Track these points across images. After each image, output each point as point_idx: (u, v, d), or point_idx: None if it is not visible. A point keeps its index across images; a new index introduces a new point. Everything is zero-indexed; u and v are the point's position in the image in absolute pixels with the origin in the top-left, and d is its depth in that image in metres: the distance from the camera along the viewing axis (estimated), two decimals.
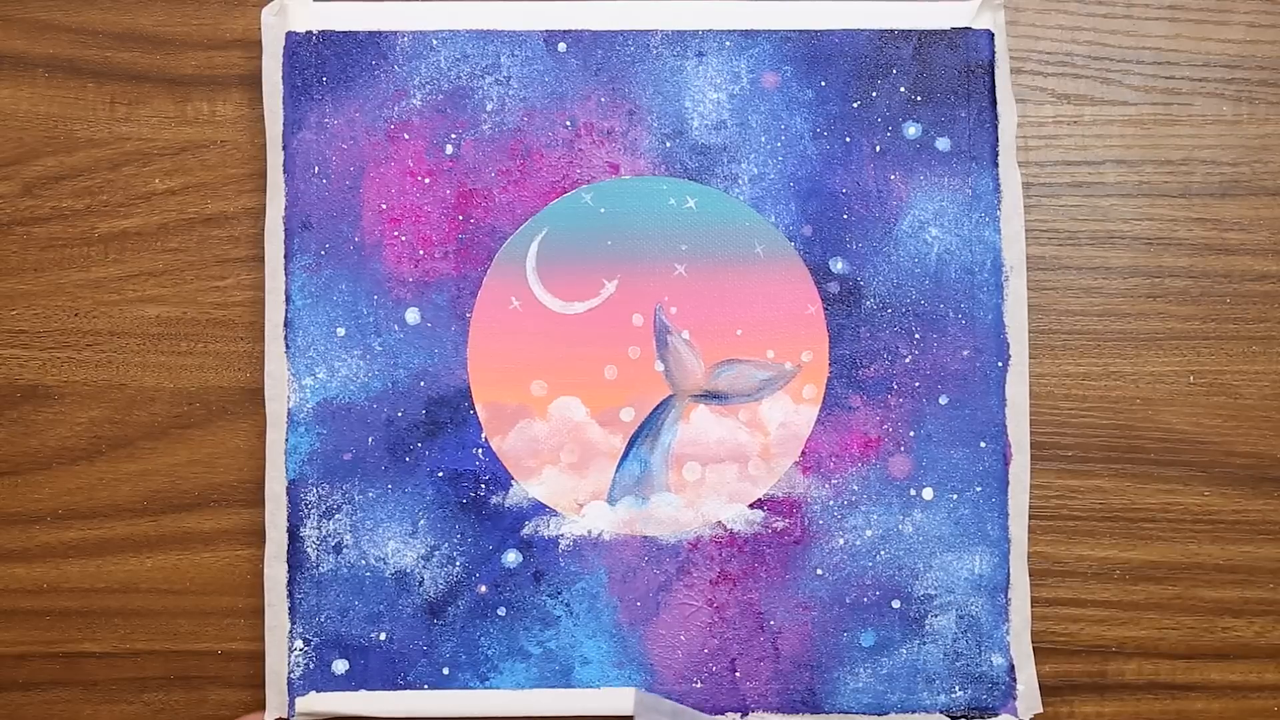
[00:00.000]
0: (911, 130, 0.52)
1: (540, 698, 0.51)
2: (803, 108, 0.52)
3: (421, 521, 0.51)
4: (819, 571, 0.51)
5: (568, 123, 0.52)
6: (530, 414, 0.51)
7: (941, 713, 0.51)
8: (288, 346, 0.52)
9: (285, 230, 0.52)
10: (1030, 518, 0.52)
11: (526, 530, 0.51)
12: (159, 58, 0.53)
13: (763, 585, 0.51)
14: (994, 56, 0.52)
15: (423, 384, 0.51)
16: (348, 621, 0.51)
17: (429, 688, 0.51)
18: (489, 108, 0.52)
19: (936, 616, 0.51)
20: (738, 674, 0.51)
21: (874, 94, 0.52)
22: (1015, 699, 0.51)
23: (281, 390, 0.51)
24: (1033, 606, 0.52)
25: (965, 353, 0.51)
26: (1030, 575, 0.52)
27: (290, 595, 0.51)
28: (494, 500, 0.51)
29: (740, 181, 0.52)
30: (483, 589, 0.51)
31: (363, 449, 0.51)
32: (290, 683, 0.51)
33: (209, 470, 0.53)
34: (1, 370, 0.53)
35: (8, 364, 0.53)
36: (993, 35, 0.52)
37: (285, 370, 0.51)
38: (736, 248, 0.52)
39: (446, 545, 0.51)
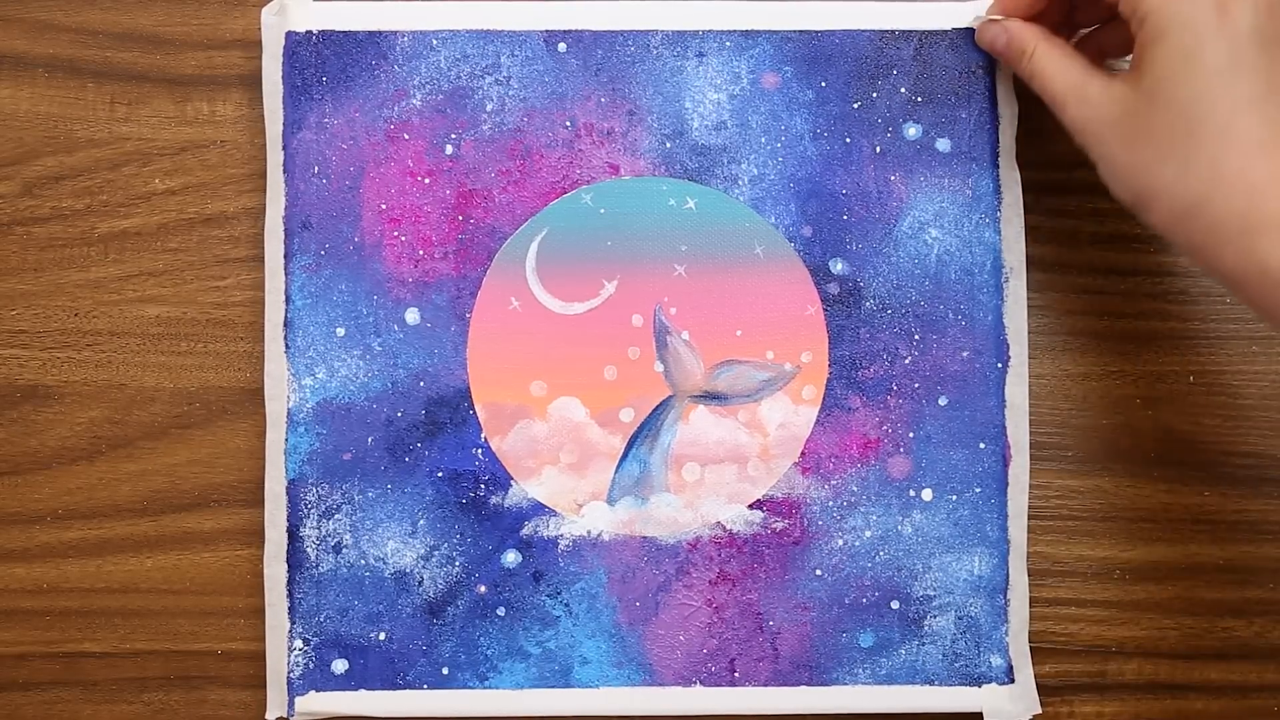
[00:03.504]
0: (912, 131, 0.52)
1: (539, 698, 0.51)
2: (803, 108, 0.52)
3: (421, 521, 0.51)
4: (818, 572, 0.51)
5: (568, 123, 0.52)
6: (530, 414, 0.51)
7: None
8: (288, 346, 0.52)
9: (285, 230, 0.52)
10: (1030, 518, 0.52)
11: (526, 530, 0.51)
12: (159, 58, 0.53)
13: (762, 586, 0.51)
14: (994, 57, 0.52)
15: (422, 384, 0.51)
16: (347, 621, 0.51)
17: (428, 688, 0.51)
18: (489, 108, 0.52)
19: (935, 617, 0.51)
20: (736, 674, 0.51)
21: (874, 95, 0.52)
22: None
23: (281, 390, 0.51)
24: (1032, 606, 0.52)
25: (965, 354, 0.51)
26: (1030, 575, 0.52)
27: (290, 595, 0.51)
28: (493, 500, 0.51)
29: (740, 182, 0.52)
30: (482, 589, 0.51)
31: (362, 449, 0.51)
32: (290, 682, 0.51)
33: (209, 470, 0.53)
34: (1, 370, 0.53)
35: (8, 364, 0.53)
36: None
37: (285, 370, 0.51)
38: (736, 248, 0.52)
39: (446, 545, 0.51)
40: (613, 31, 0.52)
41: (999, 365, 0.51)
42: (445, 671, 0.51)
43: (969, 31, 0.52)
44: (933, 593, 0.51)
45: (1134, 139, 0.44)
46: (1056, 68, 0.46)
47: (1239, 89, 0.41)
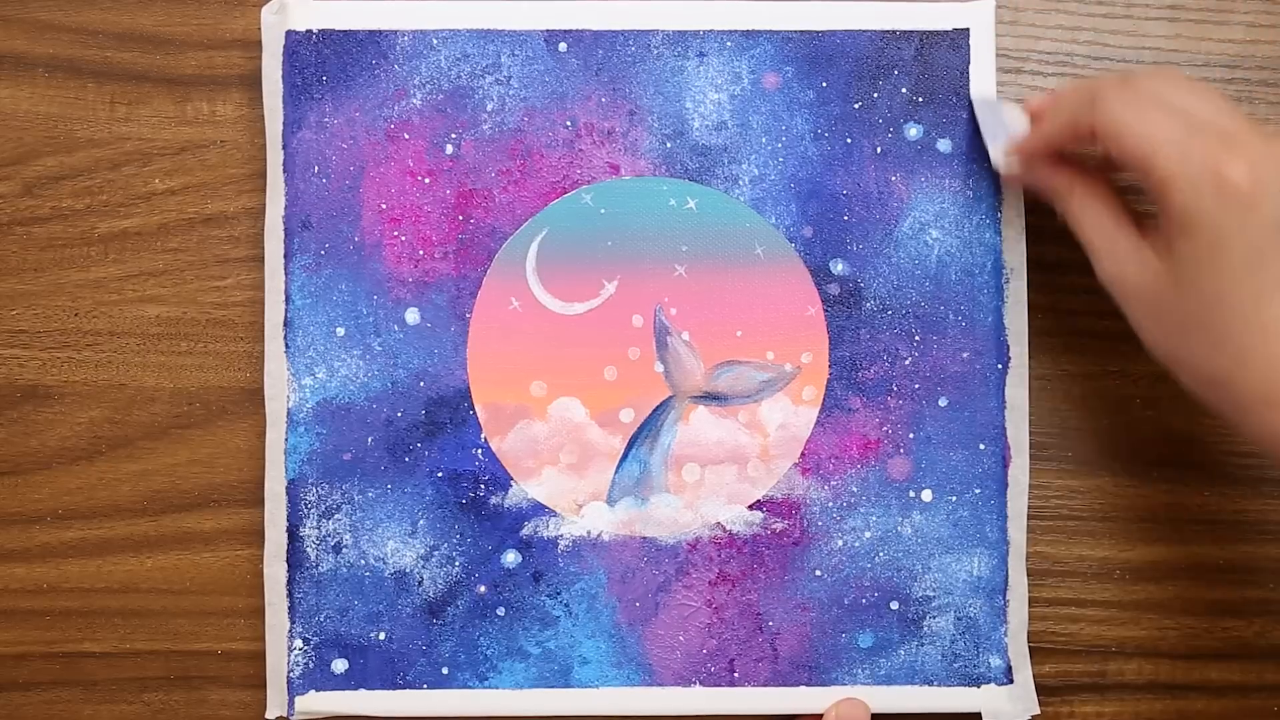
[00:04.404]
0: (913, 131, 0.52)
1: (539, 698, 0.51)
2: (804, 109, 0.52)
3: (421, 521, 0.51)
4: (818, 573, 0.51)
5: (568, 123, 0.52)
6: (530, 414, 0.51)
7: None
8: (287, 346, 0.52)
9: (285, 230, 0.52)
10: (1030, 518, 0.52)
11: (526, 531, 0.51)
12: (159, 58, 0.53)
13: (761, 586, 0.51)
14: (995, 57, 0.52)
15: (422, 384, 0.51)
16: (347, 621, 0.51)
17: (428, 687, 0.51)
18: (489, 107, 0.52)
19: (935, 618, 0.51)
20: (736, 674, 0.51)
21: (875, 95, 0.52)
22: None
23: (281, 390, 0.51)
24: (1033, 607, 0.52)
25: (965, 355, 0.51)
26: (1030, 575, 0.52)
27: (290, 595, 0.51)
28: (493, 501, 0.51)
29: (741, 182, 0.52)
30: (482, 589, 0.51)
31: (362, 449, 0.51)
32: (290, 682, 0.51)
33: (209, 470, 0.53)
34: (1, 370, 0.53)
35: (8, 364, 0.53)
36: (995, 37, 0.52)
37: (285, 370, 0.51)
38: (737, 249, 0.52)
39: (446, 545, 0.51)
40: (613, 31, 0.52)
41: (999, 366, 0.51)
42: (445, 671, 0.51)
43: (969, 32, 0.52)
44: (932, 593, 0.51)
45: (1161, 315, 0.44)
46: (1090, 218, 0.47)
47: (1264, 276, 0.42)
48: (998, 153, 0.50)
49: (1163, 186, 0.42)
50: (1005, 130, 0.50)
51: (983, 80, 0.52)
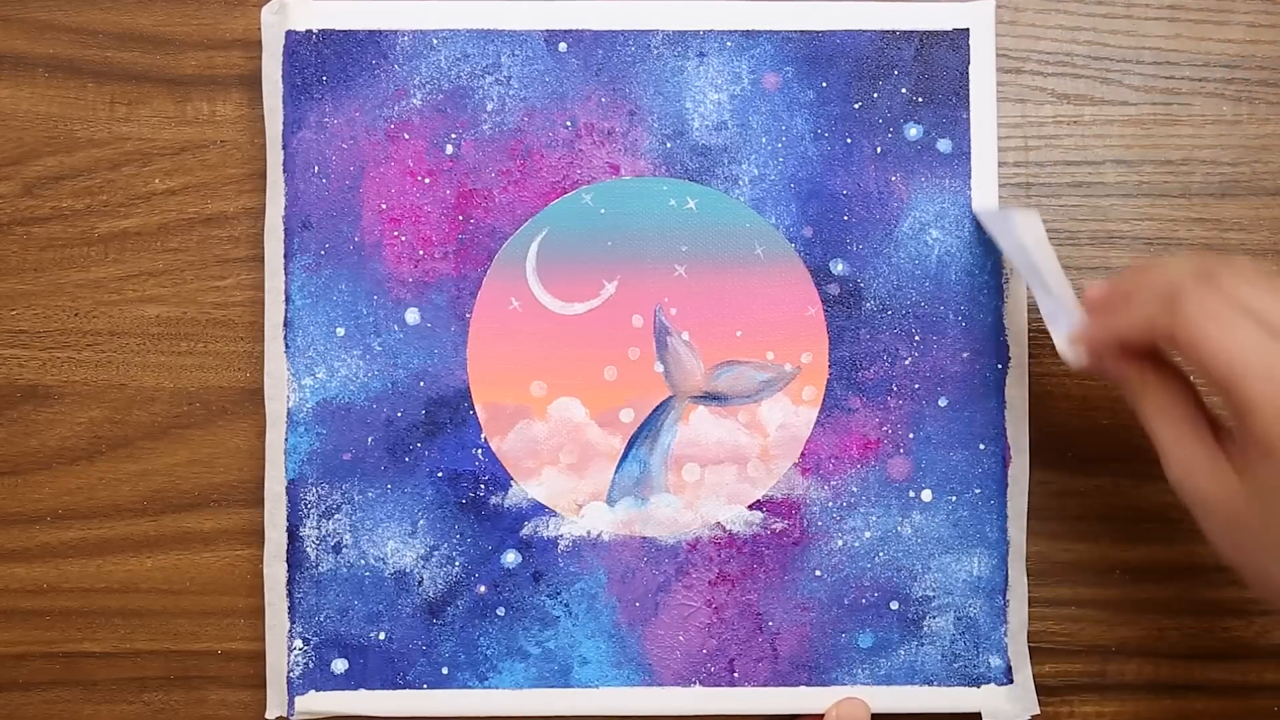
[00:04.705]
0: (913, 132, 0.52)
1: (539, 697, 0.51)
2: (804, 109, 0.52)
3: (421, 521, 0.51)
4: (817, 573, 0.51)
5: (568, 123, 0.52)
6: (530, 415, 0.51)
7: None
8: (287, 346, 0.52)
9: (285, 230, 0.52)
10: (1030, 518, 0.52)
11: (526, 531, 0.51)
12: (159, 58, 0.53)
13: (761, 586, 0.51)
14: (995, 57, 0.52)
15: (422, 384, 0.51)
16: (347, 621, 0.51)
17: (428, 687, 0.51)
18: (489, 108, 0.52)
19: (935, 618, 0.51)
20: (736, 674, 0.51)
21: (875, 95, 0.52)
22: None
23: (281, 390, 0.51)
24: (1032, 607, 0.52)
25: (965, 355, 0.51)
26: (1030, 575, 0.52)
27: (290, 595, 0.51)
28: (493, 501, 0.51)
29: (741, 182, 0.52)
30: (482, 589, 0.51)
31: (362, 449, 0.51)
32: (290, 682, 0.51)
33: (209, 470, 0.53)
34: (1, 370, 0.53)
35: (8, 364, 0.53)
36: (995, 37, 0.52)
37: (285, 370, 0.51)
38: (737, 249, 0.52)
39: (446, 545, 0.51)
40: (613, 31, 0.52)
41: (999, 366, 0.51)
42: (445, 671, 0.51)
43: (969, 32, 0.52)
44: (932, 593, 0.51)
45: (1233, 528, 0.42)
46: (1163, 420, 0.44)
47: None
48: (1062, 341, 0.47)
49: (1246, 411, 0.40)
50: (1065, 314, 0.47)
51: (982, 83, 0.52)
